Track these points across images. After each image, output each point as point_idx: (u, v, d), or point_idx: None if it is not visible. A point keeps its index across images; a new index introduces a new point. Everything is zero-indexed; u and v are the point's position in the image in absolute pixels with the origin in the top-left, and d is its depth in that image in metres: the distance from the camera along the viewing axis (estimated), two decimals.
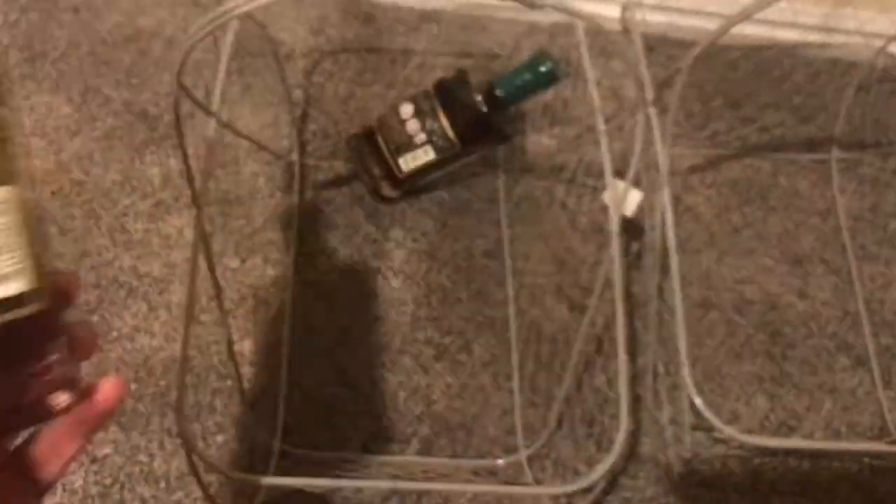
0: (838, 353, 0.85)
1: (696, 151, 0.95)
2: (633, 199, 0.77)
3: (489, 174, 0.94)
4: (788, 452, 0.81)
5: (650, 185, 0.75)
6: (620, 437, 0.60)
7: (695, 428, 0.75)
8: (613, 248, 0.65)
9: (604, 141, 0.70)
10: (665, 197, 0.67)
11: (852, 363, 0.84)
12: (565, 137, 0.97)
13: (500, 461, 0.78)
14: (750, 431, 0.81)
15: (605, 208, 0.78)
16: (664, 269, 0.89)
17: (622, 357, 0.63)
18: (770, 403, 0.82)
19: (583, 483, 0.60)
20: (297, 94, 0.99)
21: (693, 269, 0.89)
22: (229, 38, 0.69)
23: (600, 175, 0.96)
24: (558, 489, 0.73)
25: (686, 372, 0.66)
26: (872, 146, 0.95)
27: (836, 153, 0.95)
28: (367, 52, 1.03)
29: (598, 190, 0.91)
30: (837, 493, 0.78)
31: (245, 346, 0.82)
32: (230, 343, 0.74)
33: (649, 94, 0.72)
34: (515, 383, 0.82)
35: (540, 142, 0.97)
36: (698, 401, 0.61)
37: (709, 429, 0.71)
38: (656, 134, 0.70)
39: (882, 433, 0.81)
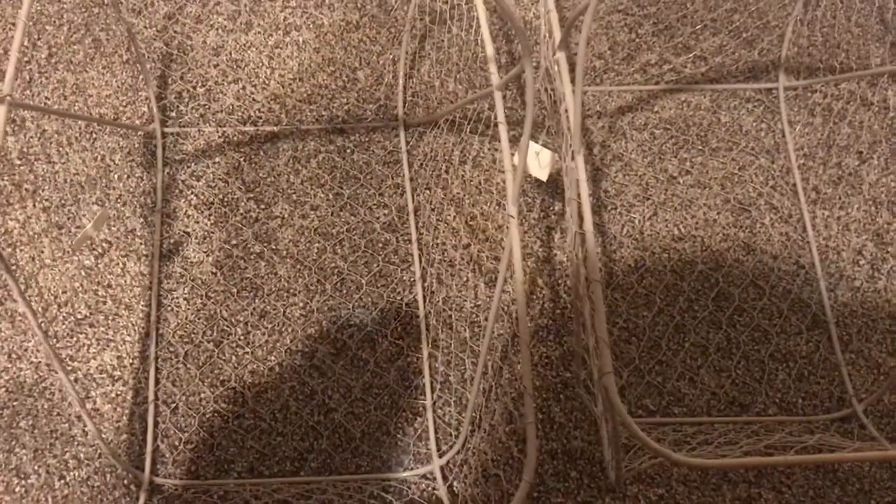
0: (791, 315, 0.75)
1: (623, 89, 0.82)
2: (545, 160, 0.65)
3: (388, 129, 0.81)
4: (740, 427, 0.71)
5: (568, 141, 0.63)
6: (529, 466, 0.50)
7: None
8: (512, 235, 0.53)
9: (498, 97, 0.57)
10: (579, 167, 0.55)
11: (808, 325, 0.75)
12: (478, 79, 0.84)
13: (411, 473, 0.67)
14: (695, 413, 0.71)
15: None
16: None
17: (525, 354, 0.52)
18: (717, 379, 0.72)
19: None
20: (158, 46, 0.83)
21: (625, 228, 0.77)
22: None
23: (520, 123, 0.83)
24: None
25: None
26: (823, 70, 0.83)
27: (783, 81, 0.83)
28: None
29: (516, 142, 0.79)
30: (794, 475, 0.69)
31: (104, 360, 0.70)
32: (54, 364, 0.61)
33: (556, 33, 0.59)
34: (426, 380, 0.71)
35: (446, 86, 0.83)
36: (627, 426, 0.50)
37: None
38: (564, 84, 0.57)
39: (841, 404, 0.72)
